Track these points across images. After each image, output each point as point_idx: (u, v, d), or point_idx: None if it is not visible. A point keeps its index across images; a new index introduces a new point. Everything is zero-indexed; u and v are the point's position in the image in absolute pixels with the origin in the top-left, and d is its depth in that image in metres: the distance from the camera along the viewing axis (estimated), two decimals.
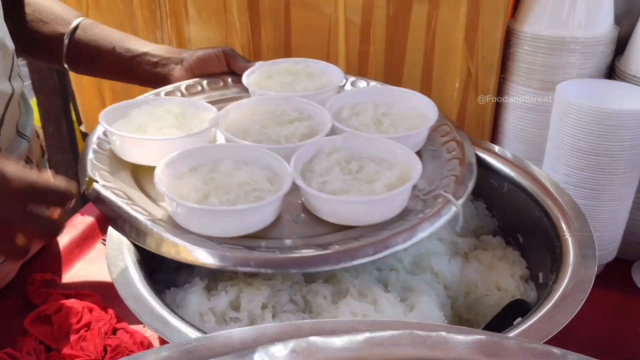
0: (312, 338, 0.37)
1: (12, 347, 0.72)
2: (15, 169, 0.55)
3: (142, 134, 0.71)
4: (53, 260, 0.91)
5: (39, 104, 1.80)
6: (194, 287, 0.61)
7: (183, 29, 1.13)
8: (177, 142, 0.68)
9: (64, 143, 1.97)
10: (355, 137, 0.69)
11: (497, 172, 0.78)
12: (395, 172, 0.63)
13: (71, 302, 0.79)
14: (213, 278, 0.63)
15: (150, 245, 0.59)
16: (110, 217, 0.64)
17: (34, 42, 0.88)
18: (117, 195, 0.64)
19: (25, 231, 0.57)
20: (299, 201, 0.65)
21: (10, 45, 0.76)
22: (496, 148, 0.81)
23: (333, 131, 0.71)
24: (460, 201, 0.64)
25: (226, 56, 0.90)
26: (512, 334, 0.51)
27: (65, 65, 0.90)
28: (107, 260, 0.60)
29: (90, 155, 0.71)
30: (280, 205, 0.62)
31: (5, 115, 0.74)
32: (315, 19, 1.05)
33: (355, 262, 0.56)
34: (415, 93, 0.81)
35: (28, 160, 0.82)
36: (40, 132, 0.92)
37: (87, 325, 0.76)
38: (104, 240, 0.96)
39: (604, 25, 0.89)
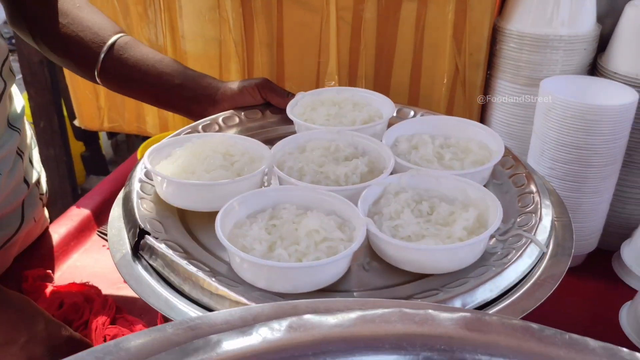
0: (307, 316, 0.39)
1: None
2: None
3: (190, 176, 0.64)
4: (50, 252, 0.93)
5: (30, 99, 1.80)
6: None
7: (177, 24, 1.15)
8: (230, 186, 0.62)
9: (55, 138, 1.97)
10: (422, 175, 0.64)
11: None
12: (472, 213, 0.58)
13: (72, 297, 0.80)
14: None
15: (215, 304, 0.53)
16: (164, 274, 0.56)
17: (69, 53, 0.85)
18: (172, 248, 0.57)
19: None
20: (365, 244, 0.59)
21: (3, 43, 0.76)
22: None
23: (395, 168, 0.66)
24: (544, 241, 0.59)
25: (261, 89, 0.86)
26: (493, 310, 0.53)
27: (99, 82, 0.87)
28: (110, 246, 0.60)
29: (136, 202, 0.64)
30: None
31: None
32: (307, 15, 1.07)
33: None
34: (472, 122, 0.77)
35: (19, 152, 0.83)
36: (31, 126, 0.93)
37: (85, 323, 0.78)
38: (100, 232, 0.99)
39: (586, 24, 0.92)
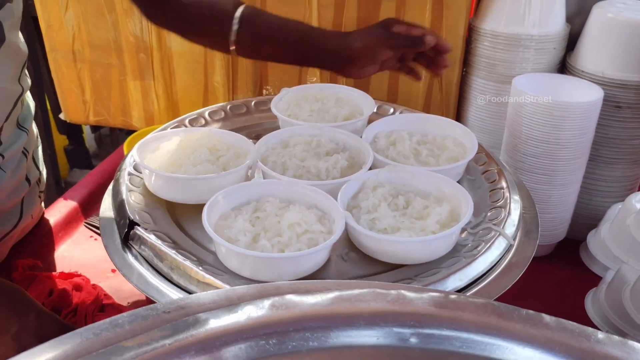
0: (288, 296, 0.42)
1: None
2: None
3: (177, 169, 0.67)
4: (38, 244, 0.94)
5: None
6: None
7: None
8: (217, 180, 0.65)
9: (39, 131, 1.97)
10: (399, 170, 0.67)
11: None
12: (446, 208, 0.61)
13: (61, 285, 0.82)
14: None
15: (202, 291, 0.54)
16: (153, 262, 0.59)
17: (200, 33, 0.88)
18: (160, 239, 0.60)
19: None
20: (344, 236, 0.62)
21: (24, 49, 0.78)
22: None
23: (373, 163, 0.70)
24: (511, 234, 0.63)
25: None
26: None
27: (233, 50, 0.87)
28: (101, 235, 0.63)
29: (126, 194, 0.66)
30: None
31: (11, 112, 0.77)
32: (290, 12, 1.09)
33: None
34: (448, 120, 0.81)
35: (25, 152, 0.85)
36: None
37: (74, 310, 0.80)
38: (87, 223, 1.01)
39: (556, 24, 0.96)
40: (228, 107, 0.87)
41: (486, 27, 0.98)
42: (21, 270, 0.86)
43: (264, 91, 1.20)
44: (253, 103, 0.89)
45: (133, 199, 0.66)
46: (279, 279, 0.56)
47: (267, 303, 0.42)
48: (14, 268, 0.86)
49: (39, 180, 0.93)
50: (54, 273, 0.85)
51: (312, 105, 0.83)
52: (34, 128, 0.90)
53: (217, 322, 0.39)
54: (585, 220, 0.98)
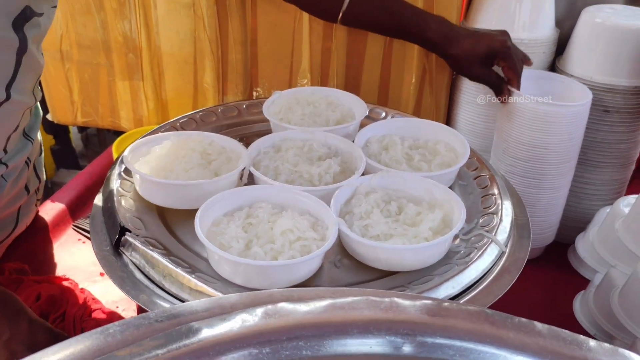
0: (281, 304, 0.42)
1: None
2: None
3: (169, 174, 0.66)
4: (26, 247, 0.93)
5: None
6: None
7: (151, 21, 1.16)
8: (209, 186, 0.65)
9: None
10: (391, 176, 0.67)
11: None
12: (438, 214, 0.61)
13: (49, 289, 0.81)
14: None
15: (194, 299, 0.52)
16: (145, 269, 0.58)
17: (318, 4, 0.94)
18: (152, 245, 0.59)
19: None
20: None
21: (42, 62, 0.77)
22: None
23: (366, 169, 0.70)
24: (503, 241, 0.63)
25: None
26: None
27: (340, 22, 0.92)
28: (92, 242, 0.61)
29: (116, 199, 0.65)
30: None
31: (20, 122, 0.77)
32: (281, 15, 1.10)
33: None
34: (440, 125, 0.81)
35: (27, 161, 0.84)
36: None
37: (62, 315, 0.79)
38: (75, 226, 1.00)
39: (545, 28, 0.97)
40: (219, 109, 0.87)
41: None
42: (7, 274, 0.85)
43: (254, 93, 1.19)
44: (244, 106, 0.88)
45: (124, 204, 0.65)
46: (272, 287, 0.56)
47: (260, 311, 0.41)
48: (0, 272, 0.85)
49: (38, 189, 0.92)
50: (41, 277, 0.84)
51: (304, 108, 0.83)
52: (39, 137, 0.89)
53: (210, 331, 0.39)
54: (574, 223, 0.98)
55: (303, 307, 0.42)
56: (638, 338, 0.69)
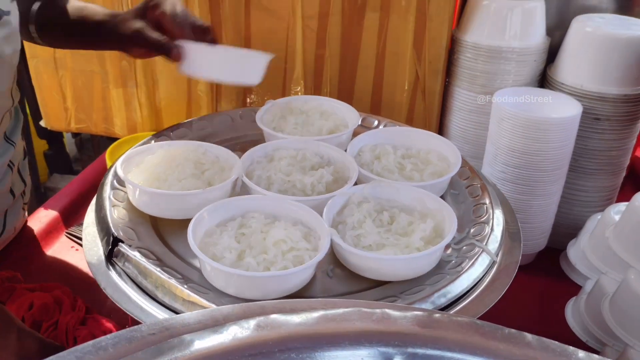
0: (273, 315, 0.42)
1: None
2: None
3: (162, 184, 0.66)
4: (18, 255, 0.93)
5: None
6: None
7: None
8: (202, 196, 0.65)
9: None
10: (383, 186, 0.67)
11: None
12: (430, 224, 0.61)
13: (41, 298, 0.81)
14: None
15: (187, 310, 0.54)
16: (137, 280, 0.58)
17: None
18: (145, 256, 0.59)
19: None
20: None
21: (16, 61, 0.76)
22: None
23: (358, 178, 0.70)
24: (494, 251, 0.63)
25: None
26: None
27: (37, 37, 0.86)
28: (85, 252, 0.62)
29: (109, 209, 0.65)
30: None
31: (0, 125, 0.76)
32: (274, 23, 1.10)
33: None
34: (432, 134, 0.81)
35: (10, 165, 0.83)
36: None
37: (55, 323, 0.79)
38: (69, 233, 1.00)
39: (536, 37, 0.98)
40: (213, 118, 0.87)
41: (468, 39, 0.99)
42: (0, 282, 0.85)
43: (248, 100, 1.20)
44: (238, 114, 0.89)
45: (117, 215, 0.65)
46: (265, 297, 0.56)
47: (252, 323, 0.42)
48: None
49: (24, 192, 0.91)
50: (34, 285, 0.84)
51: (297, 118, 0.83)
52: (21, 140, 0.89)
53: (202, 344, 0.39)
54: (566, 229, 0.99)
55: (295, 319, 0.43)
56: (629, 345, 0.70)
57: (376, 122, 0.89)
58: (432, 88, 1.09)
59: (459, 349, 0.41)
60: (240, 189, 0.70)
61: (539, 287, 0.95)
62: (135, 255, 0.59)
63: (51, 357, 0.37)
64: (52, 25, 0.85)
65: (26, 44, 1.19)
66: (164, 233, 0.65)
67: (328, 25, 1.08)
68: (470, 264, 0.61)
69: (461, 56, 1.01)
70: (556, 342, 0.40)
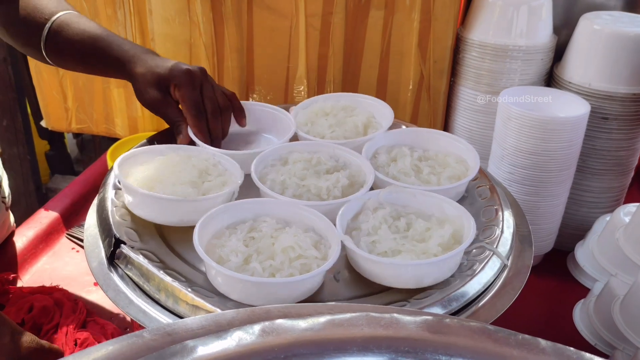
0: (279, 320, 0.41)
1: None
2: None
3: (157, 184, 0.64)
4: (18, 255, 0.92)
5: None
6: None
7: (147, 27, 1.15)
8: (200, 203, 0.62)
9: (19, 137, 1.94)
10: (400, 191, 0.65)
11: None
12: (448, 230, 0.60)
13: (41, 300, 0.80)
14: None
15: (190, 314, 0.54)
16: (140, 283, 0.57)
17: (15, 29, 0.84)
18: (147, 258, 0.58)
19: None
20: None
21: None
22: None
23: (374, 182, 0.68)
24: (505, 254, 0.62)
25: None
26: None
27: (46, 56, 0.84)
28: (86, 254, 0.60)
29: (111, 210, 0.63)
30: None
31: None
32: (277, 21, 1.09)
33: None
34: (449, 135, 0.79)
35: None
36: None
37: (56, 326, 0.78)
38: (69, 234, 0.99)
39: (543, 35, 0.96)
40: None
41: (474, 38, 0.98)
42: None
43: (250, 99, 1.19)
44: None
45: (119, 215, 0.63)
46: (269, 303, 0.53)
47: (257, 328, 0.40)
48: None
49: (0, 185, 0.90)
50: (34, 287, 0.83)
51: (328, 119, 0.81)
52: None
53: (205, 350, 0.38)
54: (573, 230, 0.98)
55: (301, 324, 0.41)
56: None
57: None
58: (437, 87, 1.08)
59: (471, 355, 0.40)
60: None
61: (546, 289, 0.93)
62: (138, 257, 0.57)
63: None
64: (61, 51, 0.83)
65: None
66: (168, 234, 0.63)
67: (332, 24, 1.07)
68: (481, 267, 0.59)
69: (466, 55, 1.00)
70: (571, 348, 0.39)
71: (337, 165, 0.72)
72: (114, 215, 0.63)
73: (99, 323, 0.79)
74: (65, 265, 0.92)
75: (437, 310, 0.54)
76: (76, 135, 2.42)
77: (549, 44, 0.97)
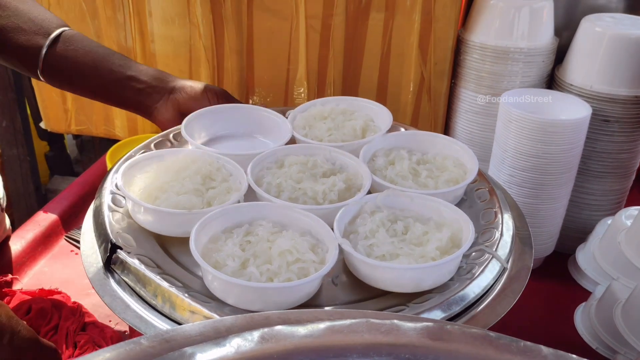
0: (278, 327, 0.40)
1: None
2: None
3: (162, 194, 0.63)
4: (16, 258, 0.92)
5: None
6: None
7: (146, 29, 1.15)
8: (190, 216, 0.61)
9: (18, 137, 1.94)
10: (397, 195, 0.65)
11: None
12: (446, 234, 0.59)
13: (40, 302, 0.80)
14: None
15: (187, 320, 0.53)
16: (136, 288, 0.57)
17: (8, 49, 0.80)
18: (144, 263, 0.57)
19: None
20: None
21: None
22: None
23: (371, 185, 0.68)
24: (504, 257, 0.61)
25: (219, 99, 0.84)
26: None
27: (41, 78, 0.83)
28: (82, 259, 0.60)
29: (107, 215, 0.63)
30: None
31: None
32: (277, 23, 1.09)
33: None
34: (448, 138, 0.78)
35: None
36: None
37: (55, 328, 0.78)
38: (68, 237, 0.98)
39: (544, 37, 0.96)
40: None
41: (475, 40, 0.98)
42: None
43: (250, 101, 1.18)
44: None
45: (115, 220, 0.63)
46: (266, 308, 0.54)
47: (256, 335, 0.40)
48: None
49: None
50: (32, 291, 0.83)
51: (327, 123, 0.80)
52: None
53: (203, 357, 0.38)
54: (574, 233, 0.97)
55: (300, 331, 0.41)
56: None
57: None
58: (438, 89, 1.08)
59: None
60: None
61: (547, 292, 0.93)
62: (134, 262, 0.57)
63: None
64: (59, 70, 0.82)
65: None
66: (165, 240, 0.63)
67: (332, 26, 1.07)
68: (480, 270, 0.59)
69: (467, 57, 1.00)
70: (574, 355, 0.39)
71: (334, 168, 0.71)
72: (111, 220, 0.62)
73: (99, 326, 0.78)
74: (64, 268, 0.92)
75: (437, 314, 0.54)
76: (76, 136, 2.42)
77: (551, 46, 0.97)
